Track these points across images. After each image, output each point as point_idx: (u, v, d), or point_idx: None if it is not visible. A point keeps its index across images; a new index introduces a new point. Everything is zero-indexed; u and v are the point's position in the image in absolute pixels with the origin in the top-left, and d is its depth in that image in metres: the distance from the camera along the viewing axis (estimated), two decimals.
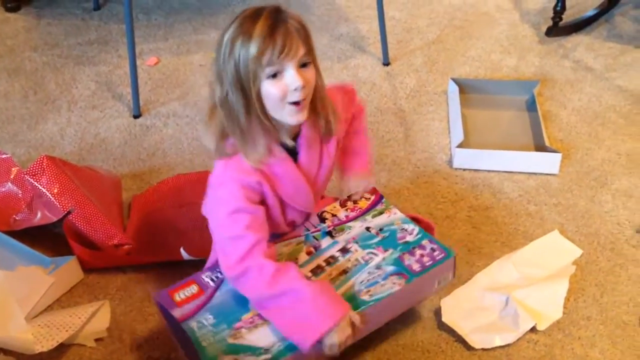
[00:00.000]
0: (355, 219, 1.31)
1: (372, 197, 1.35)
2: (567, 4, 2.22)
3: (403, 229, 1.28)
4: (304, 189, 1.23)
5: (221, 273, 1.23)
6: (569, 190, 1.68)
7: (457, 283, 1.44)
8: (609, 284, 1.44)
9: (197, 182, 1.71)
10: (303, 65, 1.10)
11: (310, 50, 1.11)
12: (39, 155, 1.52)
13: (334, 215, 1.32)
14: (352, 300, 1.16)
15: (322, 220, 1.31)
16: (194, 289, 1.23)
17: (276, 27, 1.06)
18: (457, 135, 1.77)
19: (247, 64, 1.06)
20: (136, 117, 1.95)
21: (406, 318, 1.36)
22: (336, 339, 1.11)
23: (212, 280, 1.24)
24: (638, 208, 1.62)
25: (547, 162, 1.72)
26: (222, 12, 2.43)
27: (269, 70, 1.07)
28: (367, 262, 1.23)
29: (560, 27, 2.25)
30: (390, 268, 1.21)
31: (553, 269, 1.46)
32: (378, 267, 1.22)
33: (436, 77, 2.08)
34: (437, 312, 1.37)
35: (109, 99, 2.03)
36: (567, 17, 2.26)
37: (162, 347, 1.33)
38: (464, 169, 1.74)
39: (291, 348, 1.12)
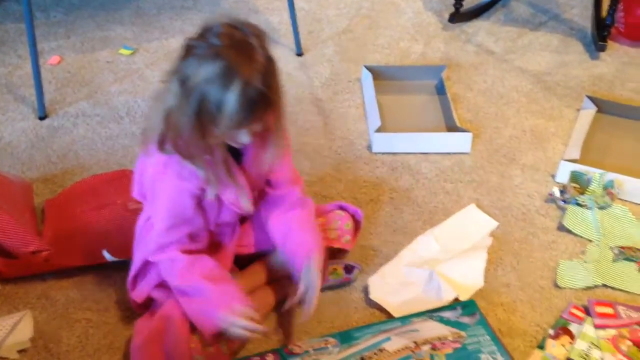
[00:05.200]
0: None
1: None
2: None
3: None
4: (246, 191, 1.24)
5: None
6: (481, 167, 1.77)
7: (383, 262, 1.48)
8: (524, 252, 1.53)
9: (114, 182, 1.67)
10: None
11: (269, 115, 1.13)
12: None
13: None
14: None
15: None
16: None
17: (256, 105, 1.07)
18: (374, 121, 1.82)
19: (213, 109, 1.07)
20: (42, 118, 1.86)
21: (339, 301, 1.39)
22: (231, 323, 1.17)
23: None
24: (544, 180, 1.73)
25: (460, 142, 1.80)
26: (126, 7, 2.36)
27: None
28: None
29: (461, 13, 2.35)
30: None
31: (472, 241, 1.53)
32: None
33: (349, 65, 2.12)
34: (366, 291, 1.41)
35: (10, 101, 1.92)
36: (467, 3, 2.36)
37: (92, 352, 1.28)
38: (383, 153, 1.79)
39: None
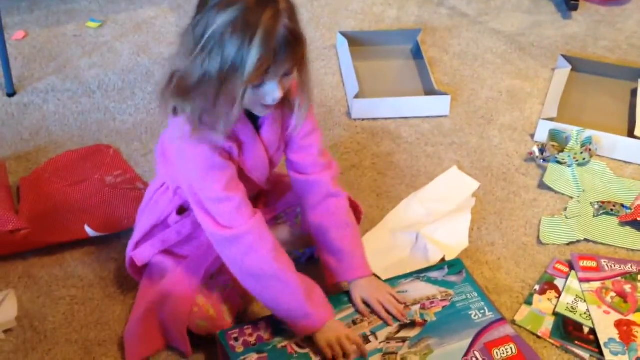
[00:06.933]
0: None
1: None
2: None
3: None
4: (264, 162, 1.19)
5: None
6: (461, 129, 1.77)
7: (368, 227, 1.48)
8: (506, 210, 1.55)
9: (90, 158, 1.63)
10: (285, 74, 1.04)
11: (298, 59, 1.04)
12: None
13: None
14: None
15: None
16: None
17: (279, 42, 0.99)
18: (352, 87, 1.80)
19: (238, 59, 0.99)
20: (10, 95, 1.80)
21: None
22: (327, 339, 1.13)
23: None
24: (522, 139, 1.74)
25: (438, 105, 1.80)
26: None
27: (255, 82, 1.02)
28: None
29: None
30: None
31: (455, 203, 1.55)
32: None
33: (323, 32, 2.10)
34: None
35: None
36: None
37: (79, 329, 1.26)
38: (363, 119, 1.78)
39: None
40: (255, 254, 1.11)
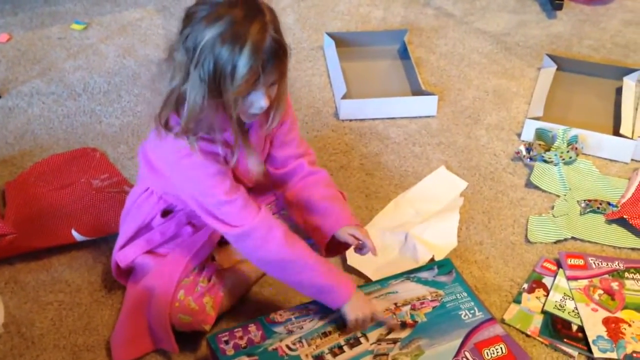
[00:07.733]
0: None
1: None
2: None
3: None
4: (254, 165, 1.22)
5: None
6: (448, 129, 1.78)
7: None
8: (494, 210, 1.55)
9: (76, 161, 1.62)
10: (272, 83, 1.08)
11: (284, 69, 1.09)
12: None
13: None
14: None
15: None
16: None
17: (266, 53, 1.02)
18: (340, 88, 1.80)
19: (228, 70, 1.01)
20: None
21: None
22: (354, 314, 1.16)
23: None
24: (509, 138, 1.75)
25: (426, 105, 1.80)
26: None
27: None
28: None
29: None
30: None
31: (444, 202, 1.55)
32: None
33: (310, 33, 2.10)
34: (344, 257, 1.41)
35: None
36: None
37: (67, 334, 1.25)
38: (351, 120, 1.78)
39: None
40: (267, 245, 1.14)
